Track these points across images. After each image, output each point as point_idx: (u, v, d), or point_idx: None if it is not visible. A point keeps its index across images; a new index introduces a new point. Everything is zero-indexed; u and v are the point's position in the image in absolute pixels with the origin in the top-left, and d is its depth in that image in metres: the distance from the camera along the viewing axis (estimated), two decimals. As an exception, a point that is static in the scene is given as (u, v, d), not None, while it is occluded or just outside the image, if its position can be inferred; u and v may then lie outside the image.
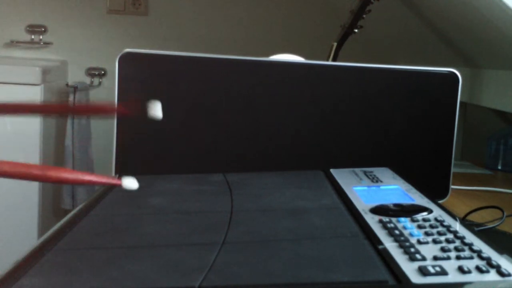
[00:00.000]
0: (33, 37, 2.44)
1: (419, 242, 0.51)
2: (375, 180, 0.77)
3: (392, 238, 0.52)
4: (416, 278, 0.43)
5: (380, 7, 1.58)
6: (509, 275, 0.43)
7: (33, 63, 2.26)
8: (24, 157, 2.07)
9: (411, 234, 0.53)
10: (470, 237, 0.52)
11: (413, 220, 0.58)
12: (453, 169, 0.95)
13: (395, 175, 0.80)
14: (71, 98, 2.33)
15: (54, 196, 2.34)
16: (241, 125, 0.90)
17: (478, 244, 0.50)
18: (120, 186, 0.53)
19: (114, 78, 0.88)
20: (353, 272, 0.44)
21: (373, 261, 0.47)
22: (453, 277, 0.43)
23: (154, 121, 0.89)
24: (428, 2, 1.60)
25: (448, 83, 0.93)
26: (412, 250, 0.48)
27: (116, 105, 0.55)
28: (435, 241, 0.51)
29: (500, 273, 0.44)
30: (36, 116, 1.99)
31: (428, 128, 0.93)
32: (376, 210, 0.61)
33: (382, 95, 0.92)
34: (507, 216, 0.85)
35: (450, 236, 0.52)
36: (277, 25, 2.50)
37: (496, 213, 0.90)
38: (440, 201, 0.87)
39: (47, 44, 2.46)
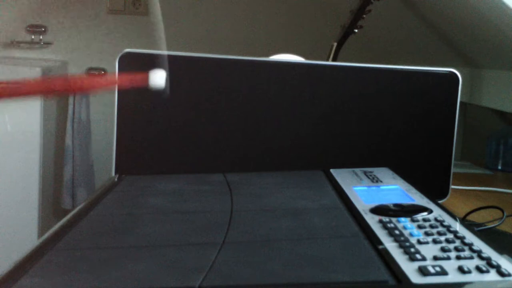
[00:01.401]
0: (33, 37, 2.45)
1: (419, 242, 0.51)
2: (375, 180, 0.77)
3: (392, 238, 0.52)
4: (416, 278, 0.43)
5: (380, 7, 1.58)
6: (509, 275, 0.43)
7: (33, 63, 2.26)
8: (24, 157, 2.07)
9: (411, 234, 0.53)
10: (470, 237, 0.52)
11: (413, 220, 0.58)
12: (453, 169, 0.95)
13: (395, 175, 0.80)
14: (71, 98, 2.33)
15: (54, 196, 2.34)
16: (241, 125, 0.90)
17: (478, 244, 0.50)
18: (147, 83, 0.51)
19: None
20: (353, 272, 0.44)
21: (373, 261, 0.47)
22: (453, 277, 0.43)
23: (154, 121, 0.89)
24: (428, 2, 1.61)
25: (448, 83, 0.93)
26: (412, 250, 0.48)
27: (116, 78, 0.54)
28: (435, 241, 0.51)
29: (500, 273, 0.44)
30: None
31: (428, 128, 0.93)
32: (376, 210, 0.61)
33: (382, 95, 0.92)
34: (507, 216, 0.85)
35: (450, 236, 0.52)
36: (277, 25, 2.50)
37: (496, 213, 0.90)
38: (440, 201, 0.87)
39: (47, 44, 2.46)
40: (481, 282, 0.43)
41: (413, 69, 0.93)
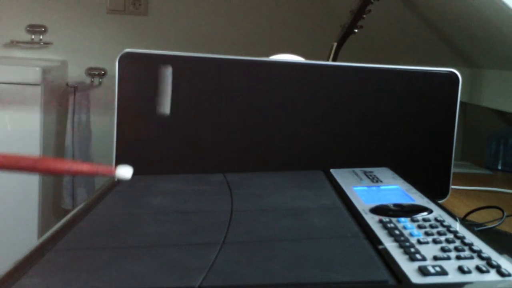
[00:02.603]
0: (33, 37, 2.45)
1: (419, 242, 0.51)
2: (375, 180, 0.77)
3: (392, 238, 0.52)
4: (416, 278, 0.43)
5: (380, 7, 1.58)
6: (509, 275, 0.43)
7: (33, 63, 2.26)
8: (24, 157, 2.06)
9: (411, 234, 0.53)
10: (470, 237, 0.52)
11: (413, 220, 0.58)
12: (453, 169, 0.95)
13: (395, 175, 0.80)
14: (71, 98, 2.33)
15: (54, 196, 2.34)
16: (241, 125, 0.90)
17: (478, 244, 0.50)
18: (112, 176, 0.52)
19: (114, 78, 0.88)
20: (353, 272, 0.44)
21: (373, 261, 0.47)
22: (453, 277, 0.43)
23: (154, 121, 0.89)
24: (428, 2, 1.60)
25: (448, 83, 0.93)
26: (412, 250, 0.48)
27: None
28: (435, 241, 0.51)
29: (500, 273, 0.44)
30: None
31: (428, 128, 0.93)
32: (376, 210, 0.61)
33: (382, 95, 0.92)
34: (507, 216, 0.85)
35: (450, 236, 0.52)
36: (277, 25, 2.50)
37: (496, 213, 0.90)
38: (440, 201, 0.87)
39: (47, 44, 2.46)
40: (481, 282, 0.43)
41: (413, 69, 0.93)
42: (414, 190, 0.71)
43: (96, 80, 2.48)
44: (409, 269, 0.45)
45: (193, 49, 2.44)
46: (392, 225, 0.56)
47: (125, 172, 0.54)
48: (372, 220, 0.58)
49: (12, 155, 0.50)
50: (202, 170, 0.88)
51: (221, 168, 0.88)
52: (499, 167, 1.42)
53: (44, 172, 0.52)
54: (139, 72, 0.89)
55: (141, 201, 0.67)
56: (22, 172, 0.52)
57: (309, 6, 2.49)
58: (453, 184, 0.99)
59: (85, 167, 0.51)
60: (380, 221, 0.57)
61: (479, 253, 0.47)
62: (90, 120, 2.40)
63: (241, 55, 0.92)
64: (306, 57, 1.08)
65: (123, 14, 2.46)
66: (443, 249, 0.49)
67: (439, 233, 0.53)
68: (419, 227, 0.55)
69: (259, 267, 0.45)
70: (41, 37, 2.45)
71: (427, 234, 0.53)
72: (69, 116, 2.33)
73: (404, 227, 0.55)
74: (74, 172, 0.50)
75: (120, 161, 0.89)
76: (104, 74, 2.48)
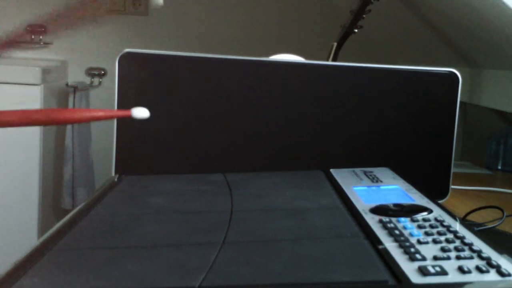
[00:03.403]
0: (33, 37, 2.45)
1: (419, 242, 0.51)
2: (375, 180, 0.77)
3: (392, 238, 0.52)
4: (416, 278, 0.43)
5: (380, 7, 1.58)
6: (509, 275, 0.43)
7: (33, 63, 2.26)
8: (24, 157, 2.07)
9: (411, 234, 0.53)
10: (470, 237, 0.52)
11: (413, 220, 0.58)
12: (453, 169, 0.95)
13: (395, 175, 0.80)
14: (71, 98, 2.33)
15: (54, 196, 2.34)
16: (241, 125, 0.90)
17: (478, 244, 0.50)
18: (130, 116, 0.51)
19: (114, 78, 0.88)
20: (353, 272, 0.44)
21: (373, 261, 0.47)
22: (453, 277, 0.43)
23: (154, 121, 0.89)
24: (428, 2, 1.60)
25: (448, 83, 0.93)
26: (412, 250, 0.48)
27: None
28: (435, 241, 0.51)
29: (500, 273, 0.44)
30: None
31: (428, 128, 0.93)
32: (376, 210, 0.61)
33: (382, 95, 0.92)
34: (507, 216, 0.85)
35: (450, 236, 0.52)
36: (277, 25, 2.50)
37: (496, 213, 0.90)
38: (440, 201, 0.87)
39: (47, 44, 2.46)
40: (481, 282, 0.43)
41: (413, 69, 0.93)
42: (414, 190, 0.71)
43: (96, 80, 2.48)
44: (409, 269, 0.45)
45: (193, 49, 2.44)
46: (392, 225, 0.56)
47: (141, 112, 0.53)
48: (372, 220, 0.58)
49: (21, 110, 0.49)
50: (202, 170, 0.88)
51: (221, 168, 0.88)
52: (499, 167, 1.42)
53: (58, 122, 0.51)
54: (139, 72, 0.89)
55: (141, 201, 0.67)
56: (35, 125, 0.51)
57: (309, 6, 2.49)
58: (453, 184, 0.99)
59: (100, 112, 0.50)
60: (380, 221, 0.57)
61: (479, 253, 0.47)
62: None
63: (241, 55, 0.92)
64: (306, 57, 1.08)
65: (123, 14, 2.46)
66: (443, 249, 0.49)
67: (439, 233, 0.53)
68: (419, 227, 0.55)
69: (259, 267, 0.45)
70: (41, 37, 2.45)
71: (427, 234, 0.53)
72: (69, 116, 2.33)
73: (404, 227, 0.55)
74: (89, 119, 0.50)
75: (120, 161, 0.89)
76: (104, 74, 2.48)
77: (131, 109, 0.54)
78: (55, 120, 0.50)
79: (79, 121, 0.50)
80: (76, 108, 0.51)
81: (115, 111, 0.53)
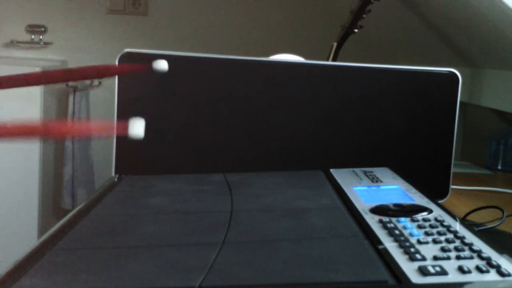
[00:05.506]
0: (33, 37, 2.45)
1: (419, 242, 0.51)
2: (375, 180, 0.77)
3: (392, 238, 0.52)
4: (416, 278, 0.43)
5: (380, 7, 1.58)
6: (509, 275, 0.43)
7: (33, 63, 2.26)
8: (24, 157, 2.07)
9: (411, 234, 0.53)
10: (470, 237, 0.52)
11: (413, 220, 0.58)
12: (453, 169, 0.95)
13: (395, 175, 0.80)
14: (71, 98, 2.33)
15: (54, 196, 2.34)
16: (241, 125, 0.90)
17: (478, 244, 0.50)
18: (126, 134, 0.51)
19: (114, 78, 0.88)
20: (353, 272, 0.44)
21: (373, 261, 0.47)
22: (453, 277, 0.43)
23: (154, 122, 0.89)
24: (428, 2, 1.60)
25: (448, 83, 0.93)
26: (412, 250, 0.48)
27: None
28: (435, 241, 0.51)
29: (500, 273, 0.44)
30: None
31: (428, 128, 0.93)
32: (376, 210, 0.61)
33: (382, 95, 0.92)
34: (507, 216, 0.85)
35: (450, 236, 0.52)
36: (277, 25, 2.50)
37: (496, 213, 0.90)
38: (440, 201, 0.87)
39: (47, 44, 2.46)
40: (481, 282, 0.43)
41: (413, 69, 0.93)
42: (414, 190, 0.71)
43: (96, 80, 2.48)
44: (409, 269, 0.45)
45: (193, 49, 2.44)
46: (392, 225, 0.56)
47: (138, 128, 0.52)
48: (372, 220, 0.58)
49: (20, 123, 0.48)
50: (202, 170, 0.88)
51: (221, 168, 0.88)
52: (499, 167, 1.42)
53: (55, 137, 0.51)
54: (139, 72, 0.89)
55: (141, 201, 0.67)
56: (34, 139, 0.51)
57: (309, 6, 2.49)
58: (453, 184, 0.99)
59: (96, 125, 0.50)
60: (380, 221, 0.57)
61: (479, 253, 0.47)
62: (90, 119, 2.40)
63: (241, 55, 0.92)
64: (306, 57, 1.08)
65: (123, 14, 2.46)
66: (443, 249, 0.49)
67: (439, 233, 0.53)
68: (419, 227, 0.55)
69: (259, 267, 0.45)
70: (41, 37, 2.45)
71: (427, 234, 0.53)
72: (69, 116, 2.33)
73: (404, 227, 0.55)
74: (83, 132, 0.49)
75: (120, 161, 0.89)
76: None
77: (129, 126, 0.53)
78: (53, 135, 0.50)
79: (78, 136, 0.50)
80: (73, 124, 0.51)
81: (113, 126, 0.52)
